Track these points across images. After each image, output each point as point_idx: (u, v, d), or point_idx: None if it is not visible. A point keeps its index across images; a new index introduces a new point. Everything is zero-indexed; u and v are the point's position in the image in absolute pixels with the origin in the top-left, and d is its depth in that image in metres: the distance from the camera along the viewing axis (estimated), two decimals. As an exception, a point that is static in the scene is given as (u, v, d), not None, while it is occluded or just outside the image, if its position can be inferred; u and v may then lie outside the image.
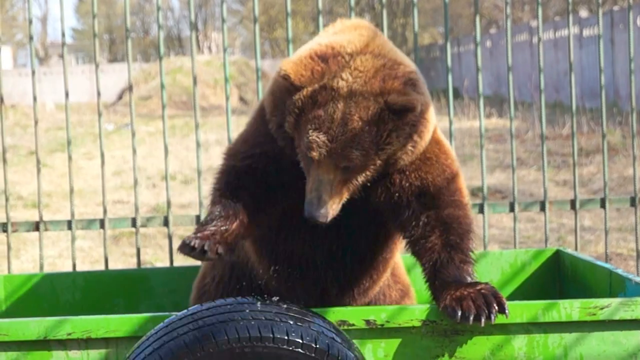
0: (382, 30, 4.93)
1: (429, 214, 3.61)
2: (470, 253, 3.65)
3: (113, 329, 3.54)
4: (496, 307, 3.31)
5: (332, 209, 3.34)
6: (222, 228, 3.44)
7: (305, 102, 3.33)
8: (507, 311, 3.34)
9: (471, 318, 3.27)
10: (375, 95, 3.32)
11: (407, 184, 3.61)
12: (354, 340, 3.41)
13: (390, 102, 3.27)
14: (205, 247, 3.29)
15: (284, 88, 3.38)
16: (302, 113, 3.33)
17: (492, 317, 3.30)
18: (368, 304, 3.92)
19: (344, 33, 3.58)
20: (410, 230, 3.60)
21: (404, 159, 3.43)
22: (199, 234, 3.38)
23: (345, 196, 3.40)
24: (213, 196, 3.68)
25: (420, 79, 3.52)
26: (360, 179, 3.38)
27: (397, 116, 3.33)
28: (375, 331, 3.40)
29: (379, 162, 3.36)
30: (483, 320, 3.26)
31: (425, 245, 3.58)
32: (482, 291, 3.38)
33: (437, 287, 3.50)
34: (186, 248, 3.31)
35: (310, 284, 3.78)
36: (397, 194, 3.60)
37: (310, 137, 3.27)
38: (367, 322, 3.38)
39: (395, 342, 3.42)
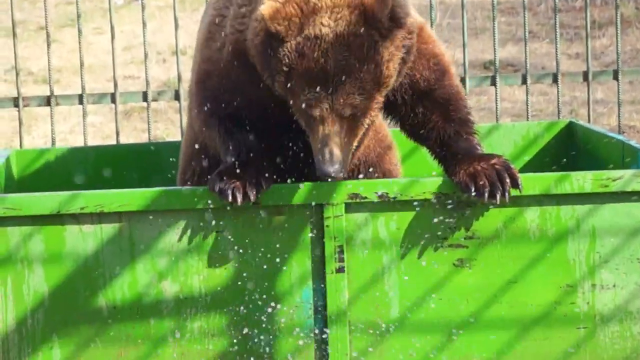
0: None
1: (425, 104, 3.59)
2: (474, 126, 3.66)
3: (125, 202, 3.57)
4: (509, 183, 3.31)
5: (345, 162, 3.29)
6: (249, 171, 3.43)
7: (291, 58, 3.22)
8: (520, 186, 3.34)
9: (486, 195, 3.29)
10: (362, 30, 3.21)
11: (399, 85, 3.56)
12: (367, 213, 3.49)
13: (377, 16, 3.16)
14: (238, 197, 3.33)
15: (266, 40, 3.28)
16: (290, 70, 3.24)
17: (507, 195, 3.32)
18: (357, 166, 3.90)
19: None
20: (409, 121, 3.64)
21: (399, 80, 3.40)
22: (231, 183, 3.40)
23: (355, 144, 3.37)
24: (217, 130, 3.67)
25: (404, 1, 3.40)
26: (367, 121, 3.32)
27: (389, 38, 3.22)
28: (388, 204, 3.41)
29: (381, 98, 3.30)
30: (498, 197, 3.28)
31: (428, 126, 3.58)
32: (496, 166, 3.37)
33: (449, 160, 3.50)
34: (222, 195, 3.34)
35: (295, 165, 3.76)
36: (391, 95, 3.55)
37: (308, 95, 3.19)
38: (379, 195, 3.40)
39: (407, 215, 3.47)
